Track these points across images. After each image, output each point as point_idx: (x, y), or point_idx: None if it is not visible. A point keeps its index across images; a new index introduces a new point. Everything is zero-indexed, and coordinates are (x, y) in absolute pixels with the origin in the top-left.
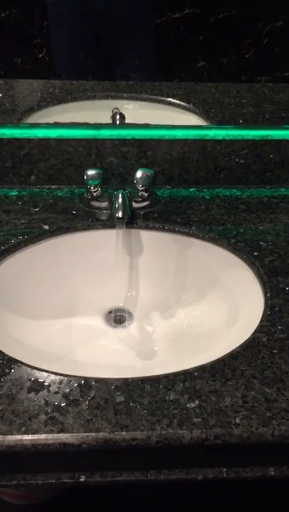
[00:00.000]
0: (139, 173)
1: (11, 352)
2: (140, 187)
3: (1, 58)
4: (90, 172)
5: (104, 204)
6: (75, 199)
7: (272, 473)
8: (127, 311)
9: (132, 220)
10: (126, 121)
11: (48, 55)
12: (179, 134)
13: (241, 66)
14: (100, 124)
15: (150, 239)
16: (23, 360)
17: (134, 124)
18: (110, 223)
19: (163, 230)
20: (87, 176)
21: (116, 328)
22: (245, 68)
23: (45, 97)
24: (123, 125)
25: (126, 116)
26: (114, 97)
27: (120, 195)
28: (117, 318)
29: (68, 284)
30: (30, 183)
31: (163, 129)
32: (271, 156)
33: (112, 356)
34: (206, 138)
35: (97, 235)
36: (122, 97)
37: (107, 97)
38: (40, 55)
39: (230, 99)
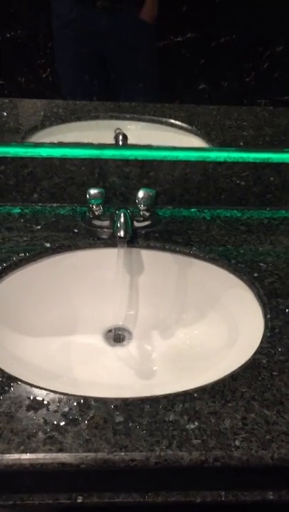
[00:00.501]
0: (141, 193)
1: (10, 369)
2: (142, 207)
3: (5, 77)
4: (93, 191)
5: (106, 223)
6: (77, 217)
7: (271, 497)
8: (127, 329)
9: (133, 239)
10: (128, 142)
11: (52, 75)
12: (181, 155)
13: (242, 89)
14: (104, 144)
15: (151, 258)
16: (22, 378)
17: (136, 144)
18: (112, 242)
19: (164, 249)
20: (89, 195)
21: (115, 346)
22: (246, 91)
23: (49, 116)
24: (126, 146)
25: (128, 137)
26: (117, 118)
27: (122, 215)
28: (117, 336)
29: (68, 302)
30: (33, 201)
31: (165, 150)
32: (272, 179)
33: (111, 375)
34: (208, 160)
35: (99, 253)
36: (124, 118)
37: (110, 118)
38: (44, 75)
39: (231, 122)
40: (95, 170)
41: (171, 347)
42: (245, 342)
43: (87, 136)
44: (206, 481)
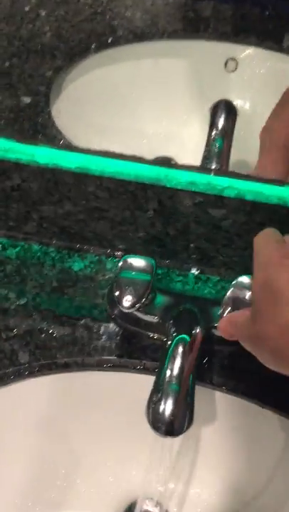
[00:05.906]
0: (232, 293)
1: None
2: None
3: None
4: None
5: (153, 318)
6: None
7: None
8: (159, 505)
9: None
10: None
11: None
12: None
13: None
14: (168, 162)
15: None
16: None
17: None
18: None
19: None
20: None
21: None
22: None
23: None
24: (220, 171)
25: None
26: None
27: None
28: None
29: (68, 452)
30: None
31: None
32: None
33: None
34: None
35: (125, 376)
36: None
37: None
38: None
39: None
40: (150, 204)
41: None
42: None
43: (162, 70)
44: None
